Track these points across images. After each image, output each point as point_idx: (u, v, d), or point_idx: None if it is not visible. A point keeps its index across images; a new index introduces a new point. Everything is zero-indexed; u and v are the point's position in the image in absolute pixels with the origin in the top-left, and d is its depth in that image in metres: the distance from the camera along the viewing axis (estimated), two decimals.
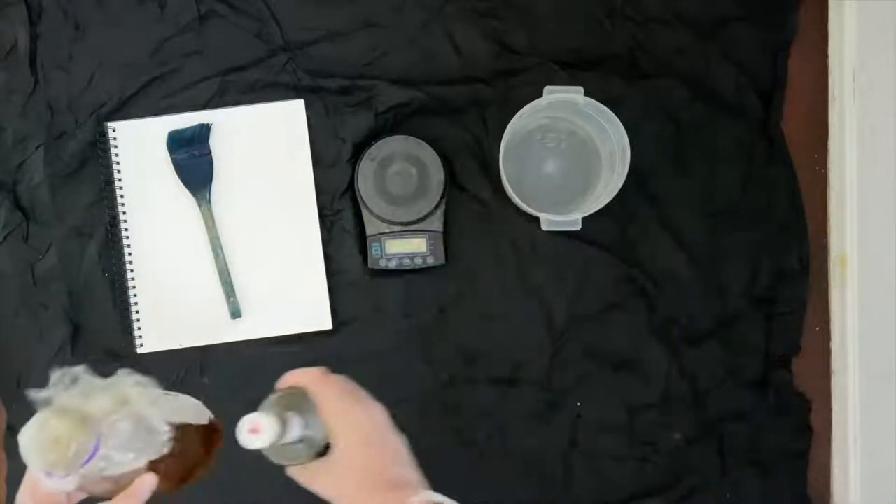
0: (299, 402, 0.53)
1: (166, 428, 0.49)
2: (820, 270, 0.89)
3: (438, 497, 0.51)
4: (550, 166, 0.88)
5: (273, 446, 0.50)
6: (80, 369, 0.48)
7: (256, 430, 0.49)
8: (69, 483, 0.46)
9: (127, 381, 0.49)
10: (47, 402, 0.47)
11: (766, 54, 0.87)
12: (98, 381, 0.48)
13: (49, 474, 0.45)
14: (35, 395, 0.47)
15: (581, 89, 0.80)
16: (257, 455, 0.51)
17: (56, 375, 0.47)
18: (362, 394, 0.55)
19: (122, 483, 0.48)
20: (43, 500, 0.48)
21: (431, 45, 0.87)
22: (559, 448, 0.87)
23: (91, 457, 0.45)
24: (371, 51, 0.87)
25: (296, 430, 0.52)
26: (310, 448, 0.53)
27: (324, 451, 0.53)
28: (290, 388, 0.54)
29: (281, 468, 0.55)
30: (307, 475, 0.54)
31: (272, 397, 0.53)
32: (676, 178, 0.87)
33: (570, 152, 0.88)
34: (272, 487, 0.65)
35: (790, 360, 0.88)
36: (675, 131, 0.87)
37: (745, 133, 0.87)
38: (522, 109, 0.80)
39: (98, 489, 0.49)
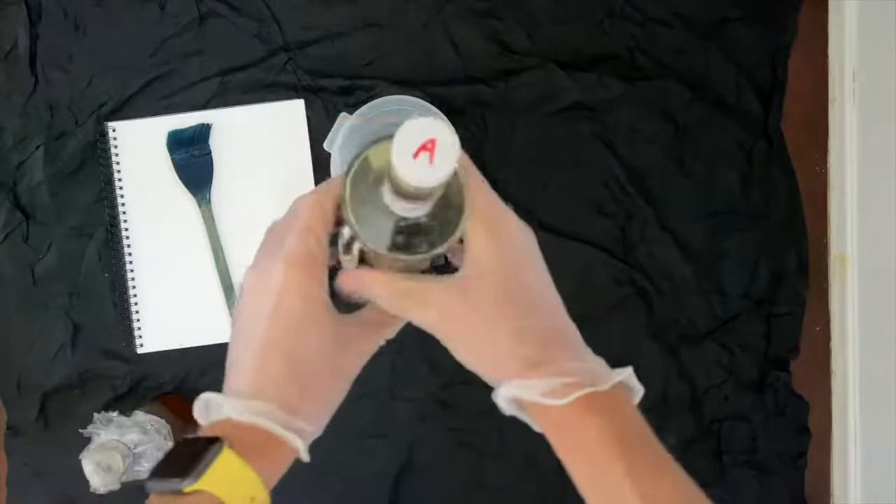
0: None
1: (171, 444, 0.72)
2: (820, 270, 0.88)
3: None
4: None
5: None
6: (113, 414, 0.73)
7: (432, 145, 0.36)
8: (116, 485, 0.69)
9: (146, 419, 0.73)
10: (92, 437, 0.71)
11: (765, 55, 0.87)
12: (127, 420, 0.72)
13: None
14: (84, 432, 0.71)
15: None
16: None
17: (96, 417, 0.72)
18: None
19: None
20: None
21: (431, 45, 0.87)
22: None
23: (127, 473, 0.69)
24: (371, 51, 0.87)
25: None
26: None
27: (443, 263, 0.44)
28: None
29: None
30: (409, 301, 0.41)
31: None
32: (675, 179, 0.87)
33: None
34: None
35: (789, 361, 0.88)
36: (675, 132, 0.87)
37: (745, 134, 0.87)
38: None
39: None
